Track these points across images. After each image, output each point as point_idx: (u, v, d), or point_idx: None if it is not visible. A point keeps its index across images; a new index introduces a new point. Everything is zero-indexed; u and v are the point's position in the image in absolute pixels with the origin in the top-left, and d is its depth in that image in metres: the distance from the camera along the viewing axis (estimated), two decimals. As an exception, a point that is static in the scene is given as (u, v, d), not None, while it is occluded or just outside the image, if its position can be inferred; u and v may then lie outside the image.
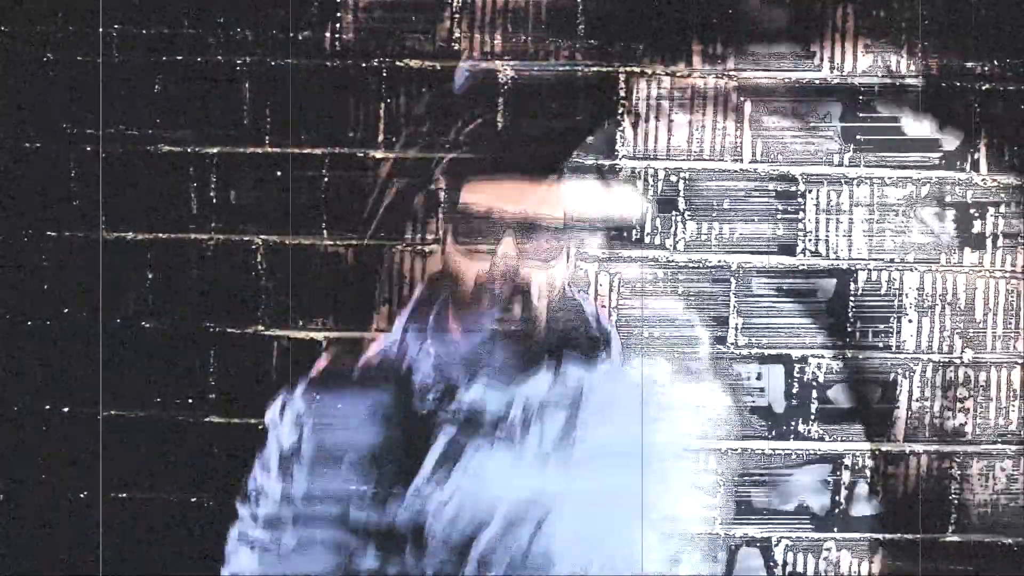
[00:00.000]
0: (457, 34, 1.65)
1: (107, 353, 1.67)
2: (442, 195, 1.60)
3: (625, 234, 1.65)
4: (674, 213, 1.66)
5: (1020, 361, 1.68)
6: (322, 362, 1.60)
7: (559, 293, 1.47)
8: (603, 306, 1.61)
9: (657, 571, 1.55)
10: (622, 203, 1.62)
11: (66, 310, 1.67)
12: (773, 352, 1.67)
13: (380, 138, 1.66)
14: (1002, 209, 1.67)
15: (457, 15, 1.65)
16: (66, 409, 1.67)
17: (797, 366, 1.67)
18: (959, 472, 1.69)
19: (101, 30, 1.65)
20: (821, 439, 1.68)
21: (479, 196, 1.44)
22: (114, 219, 1.66)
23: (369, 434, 1.46)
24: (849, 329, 1.67)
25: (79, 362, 1.67)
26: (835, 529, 1.68)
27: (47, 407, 1.67)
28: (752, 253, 1.67)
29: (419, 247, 1.66)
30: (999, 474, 1.69)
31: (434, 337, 1.48)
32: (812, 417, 1.68)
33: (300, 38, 1.65)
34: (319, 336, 1.66)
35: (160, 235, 1.67)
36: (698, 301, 1.67)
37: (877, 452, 1.68)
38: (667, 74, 1.66)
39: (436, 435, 1.43)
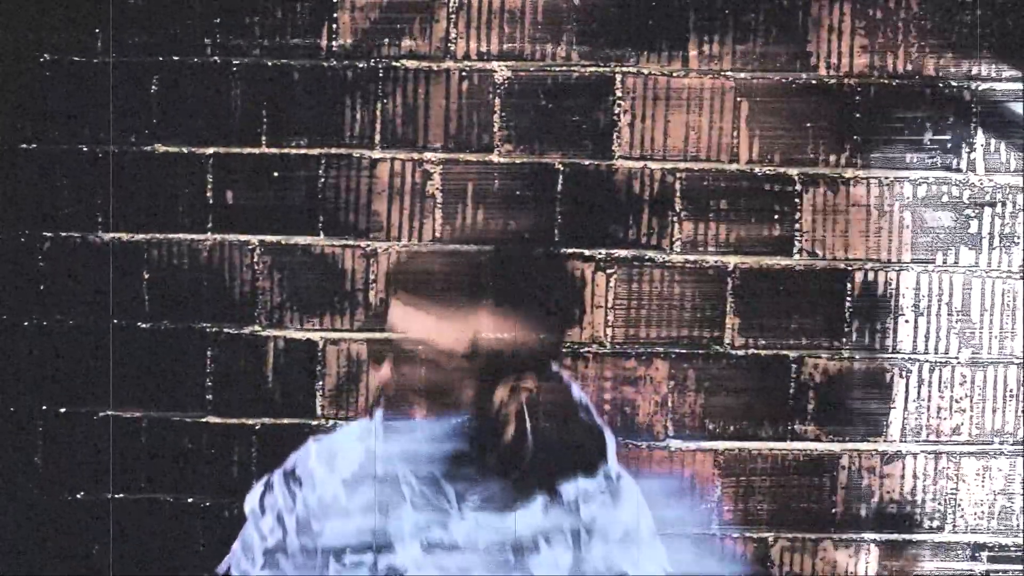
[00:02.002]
0: (453, 34, 1.65)
1: (104, 354, 1.67)
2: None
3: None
4: (670, 214, 1.67)
5: (1017, 361, 1.68)
6: (301, 457, 1.44)
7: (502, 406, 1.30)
8: (593, 401, 1.45)
9: None
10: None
11: (64, 311, 1.67)
12: (770, 352, 1.67)
13: (377, 139, 1.66)
14: (998, 209, 1.68)
15: (453, 15, 1.65)
16: (63, 410, 1.67)
17: (794, 366, 1.67)
18: (955, 472, 1.69)
19: (108, 31, 1.65)
20: (817, 439, 1.68)
21: (394, 313, 1.29)
22: (111, 220, 1.66)
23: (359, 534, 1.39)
24: (846, 329, 1.67)
25: (77, 363, 1.67)
26: (832, 530, 1.68)
27: (44, 408, 1.67)
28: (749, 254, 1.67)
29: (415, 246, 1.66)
30: (996, 474, 1.69)
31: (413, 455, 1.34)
32: (808, 418, 1.68)
33: (296, 39, 1.65)
34: (316, 336, 1.66)
35: (156, 235, 1.67)
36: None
37: (874, 452, 1.68)
38: (663, 74, 1.66)
39: None
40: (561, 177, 1.65)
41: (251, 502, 1.42)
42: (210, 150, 1.66)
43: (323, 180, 1.66)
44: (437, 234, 1.66)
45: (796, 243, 1.67)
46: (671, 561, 1.42)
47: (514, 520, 1.34)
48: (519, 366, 1.27)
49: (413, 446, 1.30)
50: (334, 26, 1.65)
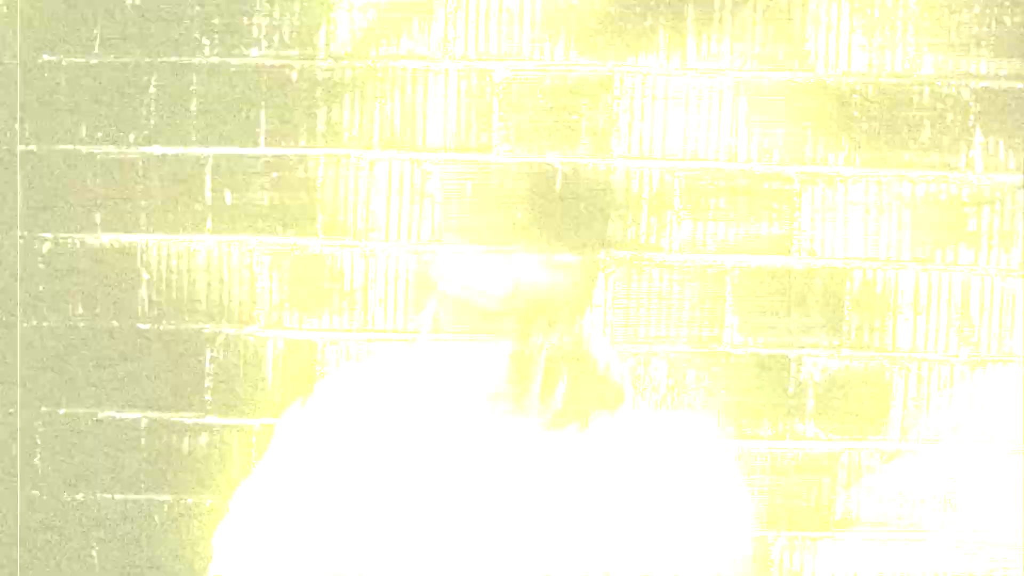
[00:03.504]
0: (452, 34, 1.65)
1: (102, 355, 1.67)
2: None
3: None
4: (669, 213, 1.67)
5: (1017, 360, 1.68)
6: (332, 384, 1.48)
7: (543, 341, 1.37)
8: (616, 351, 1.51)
9: None
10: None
11: (64, 312, 1.67)
12: (770, 351, 1.67)
13: (375, 139, 1.66)
14: (998, 207, 1.67)
15: (452, 15, 1.65)
16: (63, 411, 1.67)
17: (793, 365, 1.67)
18: (956, 471, 1.69)
19: (106, 32, 1.65)
20: (817, 438, 1.68)
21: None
22: (108, 221, 1.67)
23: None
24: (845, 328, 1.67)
25: (77, 364, 1.67)
26: (832, 529, 1.68)
27: (43, 409, 1.68)
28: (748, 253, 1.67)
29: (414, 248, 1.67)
30: (996, 473, 1.69)
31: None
32: (808, 417, 1.68)
33: (293, 39, 1.65)
34: (315, 337, 1.67)
35: (155, 236, 1.67)
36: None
37: (874, 451, 1.68)
38: (662, 73, 1.66)
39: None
40: (560, 176, 1.65)
41: (282, 427, 1.44)
42: (208, 151, 1.66)
43: (321, 180, 1.66)
44: (437, 235, 1.66)
45: (795, 242, 1.67)
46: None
47: (547, 452, 1.38)
48: (551, 312, 1.34)
49: (448, 377, 1.35)
50: (331, 26, 1.65)
